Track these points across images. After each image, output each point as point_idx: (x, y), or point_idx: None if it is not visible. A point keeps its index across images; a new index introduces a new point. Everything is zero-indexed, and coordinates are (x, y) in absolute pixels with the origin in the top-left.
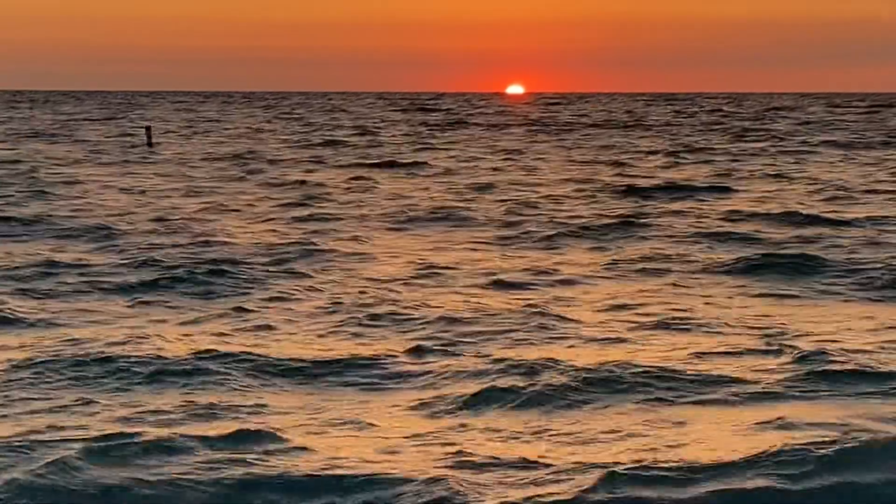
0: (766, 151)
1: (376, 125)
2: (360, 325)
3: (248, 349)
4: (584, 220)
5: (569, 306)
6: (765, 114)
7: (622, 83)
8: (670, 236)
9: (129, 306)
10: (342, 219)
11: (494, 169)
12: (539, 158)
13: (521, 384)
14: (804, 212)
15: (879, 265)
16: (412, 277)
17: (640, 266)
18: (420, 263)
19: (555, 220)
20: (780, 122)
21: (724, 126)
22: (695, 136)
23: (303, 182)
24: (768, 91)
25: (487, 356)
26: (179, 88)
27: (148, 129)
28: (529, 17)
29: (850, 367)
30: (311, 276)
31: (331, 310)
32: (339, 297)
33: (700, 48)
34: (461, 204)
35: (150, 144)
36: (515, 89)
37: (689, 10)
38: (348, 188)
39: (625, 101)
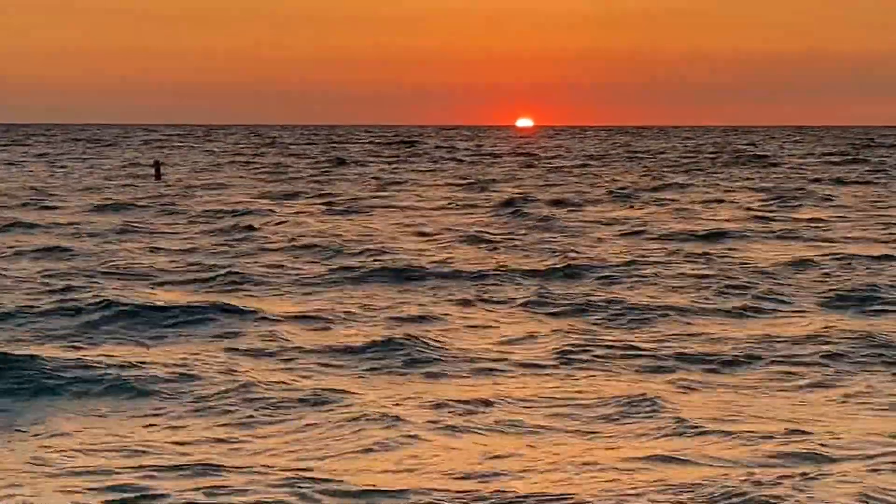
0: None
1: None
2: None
3: None
4: None
5: None
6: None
7: (633, 116)
8: None
9: None
10: None
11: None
12: None
13: None
14: None
15: None
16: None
17: None
18: None
19: None
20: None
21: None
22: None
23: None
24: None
25: None
26: (179, 121)
27: (157, 162)
28: (538, 51)
29: None
30: None
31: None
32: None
33: (714, 82)
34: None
35: (158, 178)
36: (525, 122)
37: (703, 44)
38: None
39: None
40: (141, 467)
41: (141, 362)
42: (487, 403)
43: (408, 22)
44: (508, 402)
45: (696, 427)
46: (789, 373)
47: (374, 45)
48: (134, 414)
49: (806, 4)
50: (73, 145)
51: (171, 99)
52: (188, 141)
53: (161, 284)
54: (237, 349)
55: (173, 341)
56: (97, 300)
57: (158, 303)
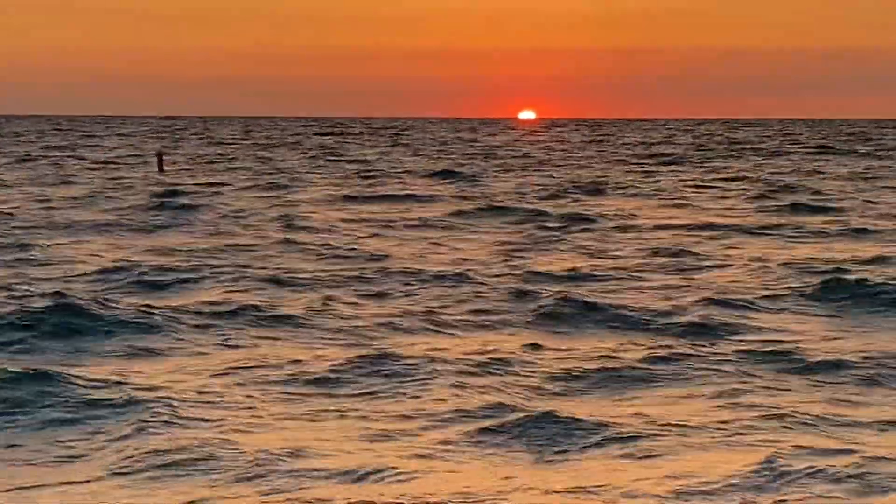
0: None
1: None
2: None
3: None
4: None
5: None
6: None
7: (633, 109)
8: None
9: None
10: None
11: None
12: None
13: None
14: None
15: None
16: None
17: None
18: None
19: None
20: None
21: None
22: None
23: None
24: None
25: None
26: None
27: (160, 154)
28: (538, 47)
29: None
30: None
31: None
32: None
33: (707, 75)
34: None
35: (161, 170)
36: (527, 115)
37: (692, 41)
38: None
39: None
40: None
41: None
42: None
43: (408, 22)
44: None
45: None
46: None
47: (375, 45)
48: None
49: (804, 4)
50: (68, 136)
51: (169, 94)
52: (185, 133)
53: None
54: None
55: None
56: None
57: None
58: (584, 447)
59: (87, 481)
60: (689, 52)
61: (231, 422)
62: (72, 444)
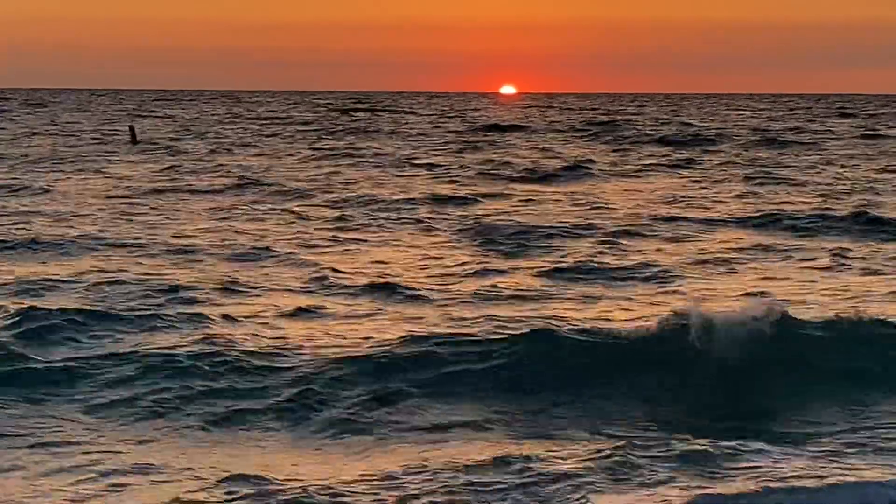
0: None
1: None
2: None
3: None
4: None
5: None
6: None
7: (611, 84)
8: None
9: None
10: None
11: None
12: None
13: None
14: None
15: None
16: None
17: None
18: None
19: None
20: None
21: None
22: None
23: None
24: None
25: None
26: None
27: (131, 127)
28: (521, 21)
29: None
30: None
31: None
32: None
33: (688, 51)
34: None
35: (134, 142)
36: (508, 90)
37: (676, 13)
38: None
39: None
40: None
41: None
42: None
43: None
44: None
45: None
46: None
47: (358, 14)
48: None
49: None
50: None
51: (147, 66)
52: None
53: None
54: None
55: None
56: None
57: None
58: None
59: None
60: (680, 24)
61: None
62: None
